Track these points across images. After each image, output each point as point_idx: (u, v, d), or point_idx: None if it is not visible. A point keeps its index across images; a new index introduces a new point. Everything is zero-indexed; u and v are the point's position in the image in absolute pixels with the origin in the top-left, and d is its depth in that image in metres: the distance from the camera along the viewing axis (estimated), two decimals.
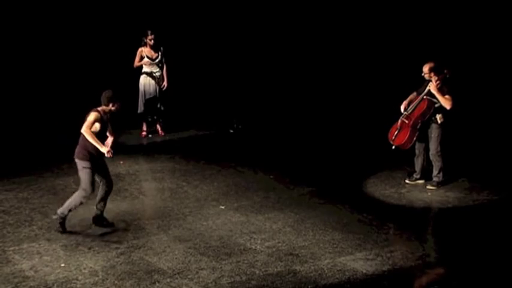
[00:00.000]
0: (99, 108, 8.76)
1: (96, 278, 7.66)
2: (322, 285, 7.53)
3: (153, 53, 12.97)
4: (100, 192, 8.91)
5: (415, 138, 10.35)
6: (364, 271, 7.81)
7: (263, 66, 15.86)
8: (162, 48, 12.99)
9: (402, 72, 12.65)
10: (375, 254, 8.21)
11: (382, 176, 11.00)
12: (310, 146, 12.75)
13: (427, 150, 10.38)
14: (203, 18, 16.07)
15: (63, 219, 8.80)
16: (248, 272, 7.79)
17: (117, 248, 8.40)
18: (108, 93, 8.87)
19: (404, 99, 10.39)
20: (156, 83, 13.06)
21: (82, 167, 8.68)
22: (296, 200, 10.02)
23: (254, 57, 15.84)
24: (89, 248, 8.40)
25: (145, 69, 13.07)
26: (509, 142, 12.23)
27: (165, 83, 13.14)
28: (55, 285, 7.53)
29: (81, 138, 8.71)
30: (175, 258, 8.15)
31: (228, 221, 9.22)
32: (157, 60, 13.01)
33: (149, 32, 12.85)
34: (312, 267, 7.89)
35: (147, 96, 13.04)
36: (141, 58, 12.97)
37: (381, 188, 10.49)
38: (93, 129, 8.57)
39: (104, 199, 8.91)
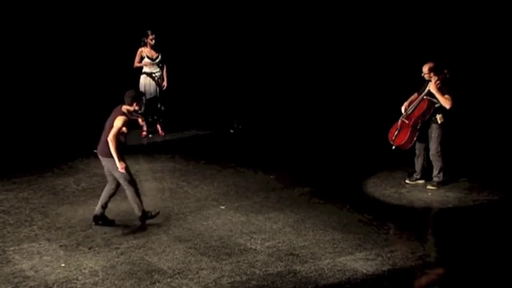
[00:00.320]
0: (123, 110, 8.77)
1: (96, 278, 7.66)
2: (322, 285, 7.53)
3: (153, 53, 12.97)
4: (108, 191, 8.95)
5: (415, 139, 10.34)
6: (364, 271, 7.81)
7: (263, 66, 15.86)
8: (161, 52, 12.99)
9: (402, 72, 12.65)
10: (375, 254, 8.21)
11: (382, 176, 11.00)
12: (310, 146, 12.75)
13: (427, 150, 10.38)
14: (203, 18, 16.07)
15: (144, 215, 8.98)
16: (248, 272, 7.79)
17: (117, 248, 8.40)
18: (131, 92, 8.95)
19: (405, 99, 10.39)
20: (156, 83, 13.06)
21: (113, 163, 8.74)
22: (296, 200, 10.02)
23: (254, 57, 15.85)
24: (89, 248, 8.40)
25: (145, 69, 13.07)
26: (509, 142, 12.22)
27: (165, 83, 13.15)
28: (55, 285, 7.53)
29: (104, 137, 8.79)
30: (176, 258, 8.15)
31: (228, 221, 9.22)
32: (157, 61, 13.02)
33: (149, 32, 12.85)
34: (312, 267, 7.89)
35: (147, 97, 13.03)
36: (141, 58, 12.97)
37: (381, 188, 10.49)
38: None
39: (110, 198, 8.99)
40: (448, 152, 10.43)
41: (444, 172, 10.37)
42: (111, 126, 8.68)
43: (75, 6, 15.37)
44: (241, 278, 7.67)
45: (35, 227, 9.07)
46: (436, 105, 10.16)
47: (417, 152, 10.50)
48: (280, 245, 8.49)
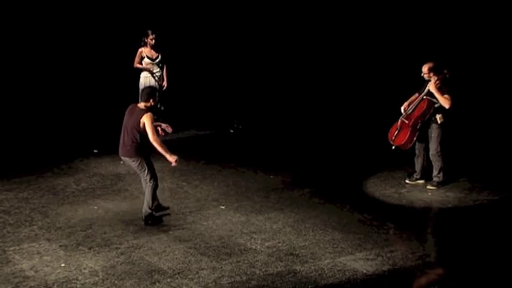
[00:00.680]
0: (142, 107, 8.88)
1: (97, 278, 7.66)
2: (322, 285, 7.53)
3: (153, 53, 12.96)
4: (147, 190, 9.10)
5: (415, 139, 10.34)
6: (364, 271, 7.81)
7: (263, 66, 15.86)
8: (161, 52, 12.98)
9: (402, 72, 12.64)
10: (375, 254, 8.21)
11: (382, 176, 11.00)
12: (310, 146, 12.75)
13: (427, 150, 10.38)
14: (203, 18, 16.07)
15: (149, 217, 9.02)
16: (248, 272, 7.79)
17: (117, 248, 8.40)
18: (147, 89, 9.26)
19: (404, 99, 10.39)
20: (156, 83, 13.05)
21: (138, 163, 8.86)
22: (296, 200, 10.02)
23: (254, 57, 15.84)
24: (89, 248, 8.40)
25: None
26: (509, 142, 12.23)
27: (165, 83, 13.14)
28: (55, 285, 7.53)
29: (129, 138, 8.84)
30: (176, 258, 8.15)
31: (228, 221, 9.22)
32: (157, 61, 13.00)
33: (150, 32, 12.84)
34: (312, 267, 7.89)
35: None
36: (141, 58, 12.96)
37: (381, 188, 10.49)
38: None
39: (154, 195, 9.12)
40: (448, 152, 10.43)
41: (444, 172, 10.37)
42: (135, 129, 8.76)
43: (76, 6, 15.37)
44: (241, 278, 7.67)
45: (35, 227, 9.07)
46: (436, 105, 10.16)
47: (417, 152, 10.50)
48: (280, 245, 8.49)
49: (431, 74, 10.15)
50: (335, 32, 15.89)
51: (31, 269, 7.89)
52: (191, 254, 8.25)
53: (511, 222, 9.17)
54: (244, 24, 15.98)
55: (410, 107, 10.30)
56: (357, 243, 8.52)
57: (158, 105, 13.20)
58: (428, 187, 10.38)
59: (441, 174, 10.37)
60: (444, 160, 10.31)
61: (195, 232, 8.87)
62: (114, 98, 13.69)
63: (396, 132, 10.37)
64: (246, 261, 8.04)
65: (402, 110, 10.33)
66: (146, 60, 12.92)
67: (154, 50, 12.95)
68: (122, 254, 8.25)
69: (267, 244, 8.50)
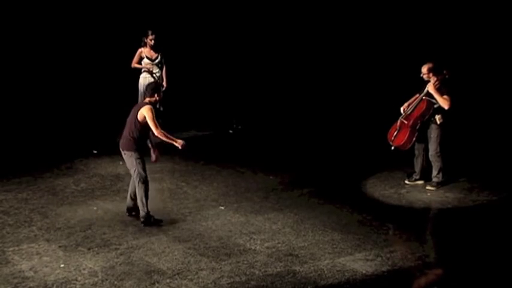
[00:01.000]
0: (146, 102, 8.94)
1: (96, 279, 7.66)
2: (321, 285, 7.53)
3: (152, 53, 12.95)
4: (133, 184, 9.08)
5: (414, 139, 10.35)
6: (363, 271, 7.81)
7: (262, 66, 15.86)
8: (160, 52, 12.98)
9: (402, 72, 12.65)
10: (375, 255, 8.21)
11: (381, 176, 11.00)
12: (310, 146, 12.76)
13: (426, 150, 10.38)
14: (203, 18, 16.07)
15: (148, 217, 8.97)
16: (248, 273, 7.79)
17: (116, 249, 8.39)
18: (152, 85, 9.41)
19: (404, 100, 10.40)
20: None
21: (135, 157, 8.85)
22: (295, 200, 10.02)
23: (253, 57, 15.85)
24: (89, 249, 8.40)
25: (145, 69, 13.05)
26: (509, 142, 12.23)
27: (164, 84, 13.13)
28: (54, 285, 7.53)
29: (127, 130, 8.87)
30: (175, 258, 8.15)
31: (227, 222, 9.22)
32: (156, 61, 13.00)
33: (150, 32, 12.83)
34: (312, 268, 7.89)
35: None
36: (141, 58, 12.95)
37: (380, 189, 10.49)
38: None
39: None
40: (447, 153, 10.43)
41: (443, 172, 10.37)
42: (134, 120, 8.81)
43: (76, 6, 15.37)
44: (241, 278, 7.67)
45: (34, 227, 9.06)
46: (435, 106, 10.16)
47: (416, 152, 10.50)
48: (279, 245, 8.48)
49: (431, 75, 10.15)
50: (335, 32, 15.90)
51: (30, 269, 7.88)
52: (190, 254, 8.25)
53: (511, 222, 9.18)
54: (243, 24, 15.99)
55: (409, 107, 10.30)
56: (357, 243, 8.52)
57: (157, 106, 13.21)
58: (428, 187, 10.38)
59: (440, 174, 10.37)
60: (443, 160, 10.31)
61: (195, 232, 8.87)
62: (114, 99, 13.72)
63: (395, 133, 10.37)
64: (245, 262, 8.04)
65: (402, 111, 10.34)
66: (146, 60, 12.92)
67: (153, 50, 12.95)
68: (121, 254, 8.25)
69: (266, 244, 8.50)
